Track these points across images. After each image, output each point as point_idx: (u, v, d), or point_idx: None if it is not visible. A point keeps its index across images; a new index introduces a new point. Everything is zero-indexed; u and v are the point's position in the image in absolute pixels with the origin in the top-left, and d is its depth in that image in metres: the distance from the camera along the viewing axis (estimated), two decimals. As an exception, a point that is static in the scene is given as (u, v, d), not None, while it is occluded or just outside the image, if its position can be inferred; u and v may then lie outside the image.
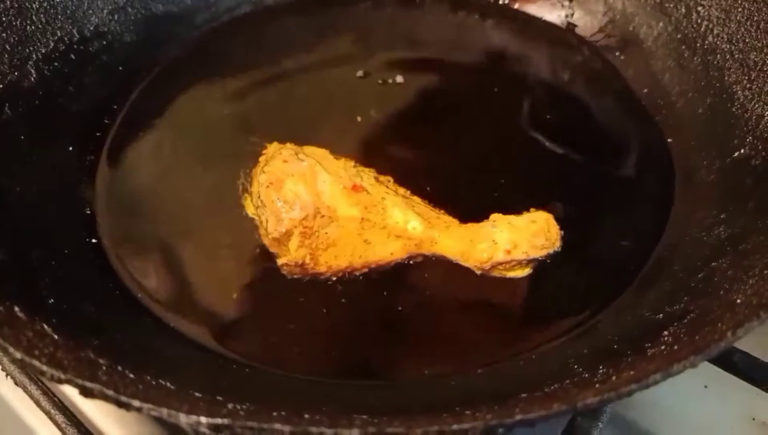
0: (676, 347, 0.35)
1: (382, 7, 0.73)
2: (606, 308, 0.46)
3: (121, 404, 0.28)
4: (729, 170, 0.52)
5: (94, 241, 0.51)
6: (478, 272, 0.49)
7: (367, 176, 0.53)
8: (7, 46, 0.54)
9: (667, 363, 0.30)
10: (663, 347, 0.36)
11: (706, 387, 0.56)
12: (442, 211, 0.52)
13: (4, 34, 0.54)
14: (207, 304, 0.49)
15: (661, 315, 0.42)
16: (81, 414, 0.53)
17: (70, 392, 0.54)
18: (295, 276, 0.48)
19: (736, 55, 0.57)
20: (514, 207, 0.52)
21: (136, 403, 0.28)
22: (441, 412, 0.33)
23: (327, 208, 0.49)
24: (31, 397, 0.52)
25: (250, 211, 0.52)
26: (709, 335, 0.33)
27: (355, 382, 0.44)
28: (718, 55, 0.59)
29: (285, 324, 0.47)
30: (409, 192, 0.53)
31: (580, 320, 0.46)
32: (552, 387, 0.36)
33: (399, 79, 0.64)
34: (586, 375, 0.36)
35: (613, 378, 0.33)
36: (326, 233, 0.49)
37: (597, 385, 0.32)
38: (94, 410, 0.54)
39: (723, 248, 0.46)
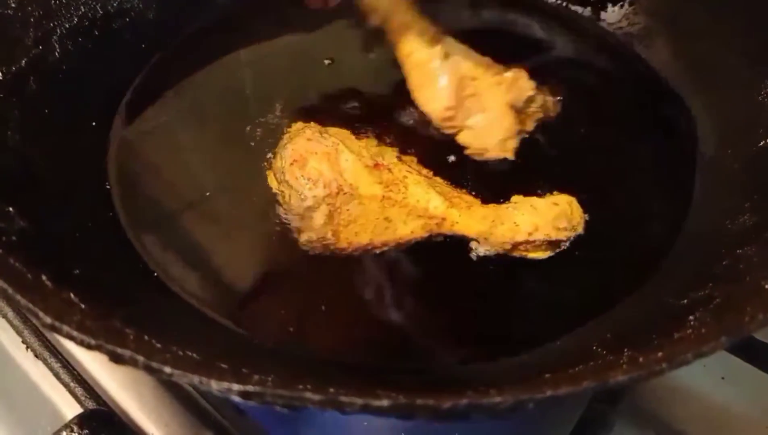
0: (703, 331, 0.35)
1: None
2: (629, 294, 0.46)
3: (152, 370, 0.28)
4: (754, 159, 0.52)
5: (115, 215, 0.51)
6: (499, 253, 0.49)
7: (389, 156, 0.52)
8: (32, 20, 0.54)
9: (698, 344, 0.30)
10: (690, 331, 0.36)
11: (723, 378, 0.56)
12: (464, 192, 0.52)
13: (29, 8, 0.54)
14: (226, 280, 0.48)
15: (685, 301, 0.41)
16: (99, 387, 0.53)
17: (90, 365, 0.55)
18: (315, 252, 0.48)
19: (764, 44, 0.56)
20: (536, 190, 0.52)
21: (167, 369, 0.28)
22: (464, 389, 0.33)
23: (349, 185, 0.49)
24: (51, 369, 0.53)
25: (273, 187, 0.52)
26: (737, 319, 0.33)
27: (374, 362, 0.44)
28: (745, 45, 0.58)
29: (305, 302, 0.47)
30: (431, 172, 0.53)
31: (603, 305, 0.46)
32: (577, 368, 0.35)
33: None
34: (611, 358, 0.36)
35: (640, 359, 0.32)
36: (348, 210, 0.49)
37: (624, 366, 0.32)
38: (112, 384, 0.54)
39: (748, 236, 0.45)
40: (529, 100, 0.57)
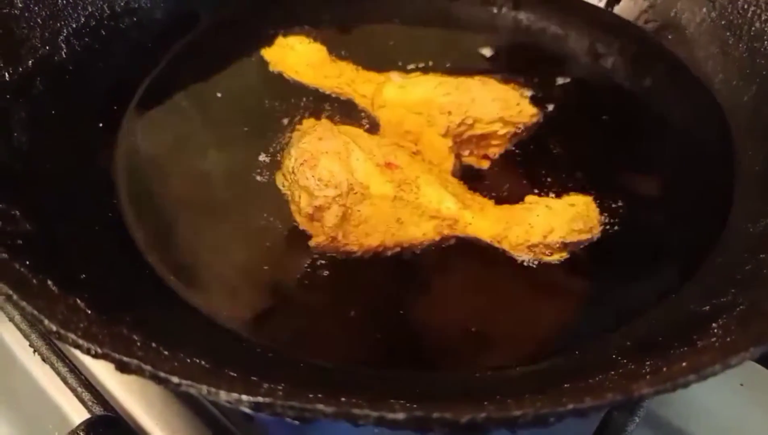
0: (728, 339, 0.34)
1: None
2: (650, 300, 0.45)
3: (159, 380, 0.27)
4: (775, 161, 0.51)
5: (121, 218, 0.50)
6: (513, 255, 0.48)
7: (402, 154, 0.51)
8: (39, 20, 0.54)
9: (725, 354, 0.29)
10: (714, 339, 0.35)
11: (742, 385, 0.54)
12: (477, 193, 0.51)
13: (36, 8, 0.54)
14: (234, 284, 0.48)
15: (707, 307, 0.40)
16: (107, 392, 0.53)
17: (97, 370, 0.54)
18: (326, 255, 0.47)
19: (786, 42, 0.55)
20: (552, 190, 0.51)
21: (174, 379, 0.27)
22: (481, 400, 0.31)
23: (360, 185, 0.48)
24: (58, 373, 0.52)
25: (282, 186, 0.51)
26: (765, 327, 0.32)
27: (385, 371, 0.43)
28: (766, 42, 0.57)
29: (314, 307, 0.46)
30: (444, 172, 0.52)
31: (623, 312, 0.44)
32: (597, 378, 0.34)
33: (430, 63, 0.62)
34: (632, 367, 0.35)
35: (664, 370, 0.31)
36: (359, 211, 0.48)
37: (648, 377, 0.31)
38: (119, 388, 0.53)
39: (771, 240, 0.44)
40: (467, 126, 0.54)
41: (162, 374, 0.27)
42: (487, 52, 0.65)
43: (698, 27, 0.63)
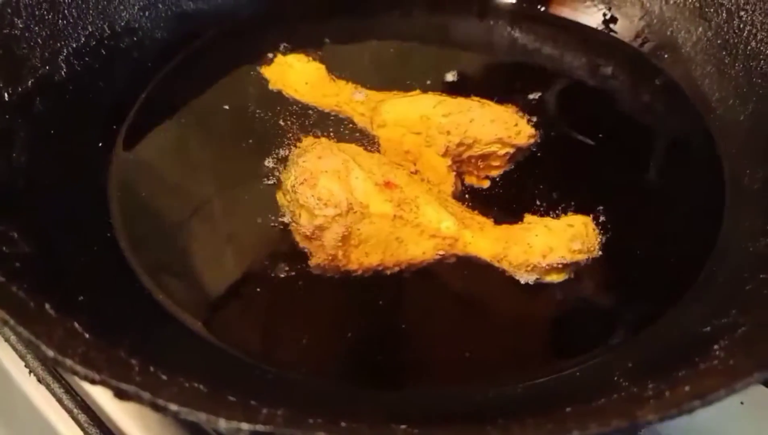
0: (731, 362, 0.34)
1: (409, 14, 0.73)
2: (650, 320, 0.44)
3: (157, 407, 0.27)
4: (774, 180, 0.51)
5: (118, 239, 0.50)
6: (513, 275, 0.48)
7: (401, 173, 0.51)
8: (39, 40, 0.54)
9: (729, 379, 0.28)
10: (716, 362, 0.35)
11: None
12: (476, 212, 0.51)
13: (36, 28, 0.54)
14: (234, 306, 0.48)
15: (708, 328, 0.40)
16: (103, 414, 0.52)
17: (93, 391, 0.53)
18: (326, 274, 0.47)
19: (782, 61, 0.55)
20: (551, 210, 0.51)
21: (173, 406, 0.27)
22: (483, 424, 0.31)
23: (359, 204, 0.48)
24: (54, 395, 0.52)
25: (282, 206, 0.51)
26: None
27: (385, 391, 0.43)
28: (762, 61, 0.57)
29: (312, 327, 0.46)
30: (444, 192, 0.52)
31: (624, 332, 0.44)
32: (599, 401, 0.34)
33: (428, 82, 0.63)
34: (635, 390, 0.35)
35: (667, 394, 0.31)
36: (358, 230, 0.48)
37: (651, 401, 0.30)
38: (116, 410, 0.53)
39: (771, 259, 0.44)
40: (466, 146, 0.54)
41: (160, 402, 0.27)
42: (484, 70, 0.65)
43: (694, 46, 0.64)
